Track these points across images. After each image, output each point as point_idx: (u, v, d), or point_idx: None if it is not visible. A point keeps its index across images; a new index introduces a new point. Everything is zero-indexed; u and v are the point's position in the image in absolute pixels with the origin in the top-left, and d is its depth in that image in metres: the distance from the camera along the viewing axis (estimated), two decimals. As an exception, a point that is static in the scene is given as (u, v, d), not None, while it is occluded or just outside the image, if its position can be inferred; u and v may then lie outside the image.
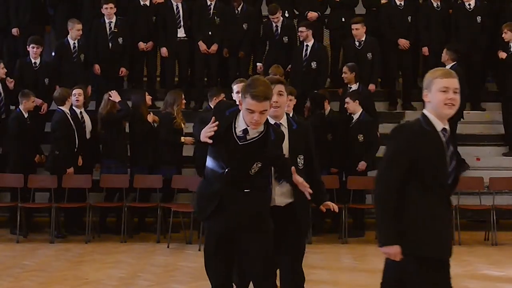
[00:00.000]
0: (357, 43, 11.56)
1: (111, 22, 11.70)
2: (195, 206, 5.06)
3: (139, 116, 10.30)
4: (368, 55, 11.50)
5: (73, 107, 10.31)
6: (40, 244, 9.75)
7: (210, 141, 4.66)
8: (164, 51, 12.01)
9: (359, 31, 11.49)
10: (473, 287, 7.66)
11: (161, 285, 7.58)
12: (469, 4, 12.04)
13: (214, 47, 11.98)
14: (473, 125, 12.20)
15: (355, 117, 10.30)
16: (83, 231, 10.02)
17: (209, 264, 4.94)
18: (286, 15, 12.30)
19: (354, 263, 8.80)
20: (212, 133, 4.64)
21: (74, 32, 11.27)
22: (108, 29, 11.71)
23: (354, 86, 10.82)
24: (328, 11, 12.71)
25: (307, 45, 11.49)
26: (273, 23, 11.94)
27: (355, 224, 10.42)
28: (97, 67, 11.68)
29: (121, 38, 11.75)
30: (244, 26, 12.05)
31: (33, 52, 11.05)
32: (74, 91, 10.32)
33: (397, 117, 12.33)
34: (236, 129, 4.70)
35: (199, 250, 9.33)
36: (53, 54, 11.72)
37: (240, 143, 4.69)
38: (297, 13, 12.74)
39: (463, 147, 11.79)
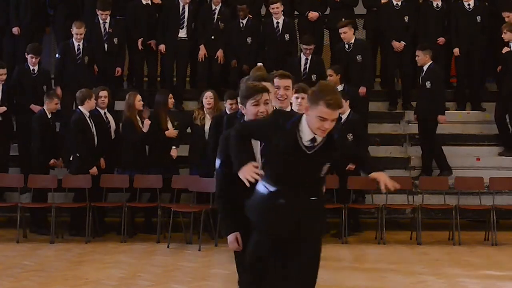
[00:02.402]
0: (346, 46, 11.43)
1: (106, 22, 11.65)
2: (259, 220, 4.68)
3: (158, 122, 10.26)
4: (357, 57, 11.34)
5: (97, 108, 10.31)
6: (40, 244, 9.74)
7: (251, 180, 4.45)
8: (162, 47, 11.98)
9: (347, 34, 11.36)
10: (473, 287, 7.67)
11: (161, 285, 7.58)
12: (469, 4, 12.04)
13: (220, 54, 11.89)
14: (473, 125, 12.19)
15: (344, 116, 10.25)
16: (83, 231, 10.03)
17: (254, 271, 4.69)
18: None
19: (354, 263, 8.80)
20: (256, 175, 4.42)
21: (74, 35, 11.23)
22: (103, 30, 11.68)
23: (340, 87, 10.73)
24: (328, 11, 12.69)
25: (306, 59, 11.42)
26: (274, 20, 11.89)
27: (351, 223, 10.37)
28: (95, 67, 11.64)
29: (116, 39, 11.72)
30: (248, 40, 11.97)
31: (31, 62, 10.99)
32: (100, 93, 10.33)
33: (397, 117, 12.35)
34: (302, 139, 4.48)
35: (199, 250, 9.34)
36: (57, 55, 11.63)
37: (309, 153, 4.50)
38: (296, 13, 12.71)
39: (463, 147, 11.81)
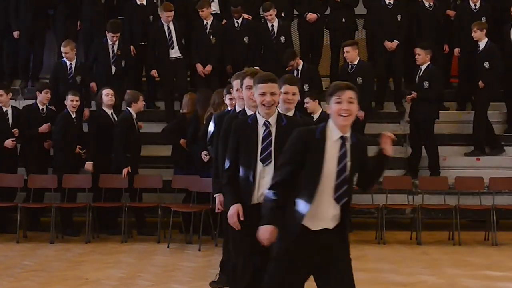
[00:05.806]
0: (349, 67, 11.15)
1: (114, 45, 11.31)
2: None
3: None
4: (358, 79, 10.92)
5: (103, 108, 10.36)
6: (40, 244, 9.74)
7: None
8: (153, 72, 11.77)
9: (350, 54, 11.02)
10: (473, 287, 7.66)
11: (161, 285, 7.58)
12: (475, 5, 11.99)
13: (209, 68, 11.68)
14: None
15: (315, 116, 10.21)
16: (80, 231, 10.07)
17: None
18: (282, 15, 12.25)
19: (354, 263, 8.76)
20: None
21: (63, 53, 11.02)
22: (111, 52, 11.35)
23: (316, 115, 10.21)
24: (328, 11, 12.68)
25: (297, 70, 11.19)
26: (268, 23, 11.89)
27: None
28: (93, 85, 11.30)
29: (124, 61, 11.42)
30: (245, 39, 11.90)
31: (44, 98, 10.53)
32: (105, 91, 10.33)
33: (397, 117, 12.34)
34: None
35: (199, 250, 9.35)
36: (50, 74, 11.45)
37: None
38: (296, 13, 12.70)
39: (463, 147, 11.81)
